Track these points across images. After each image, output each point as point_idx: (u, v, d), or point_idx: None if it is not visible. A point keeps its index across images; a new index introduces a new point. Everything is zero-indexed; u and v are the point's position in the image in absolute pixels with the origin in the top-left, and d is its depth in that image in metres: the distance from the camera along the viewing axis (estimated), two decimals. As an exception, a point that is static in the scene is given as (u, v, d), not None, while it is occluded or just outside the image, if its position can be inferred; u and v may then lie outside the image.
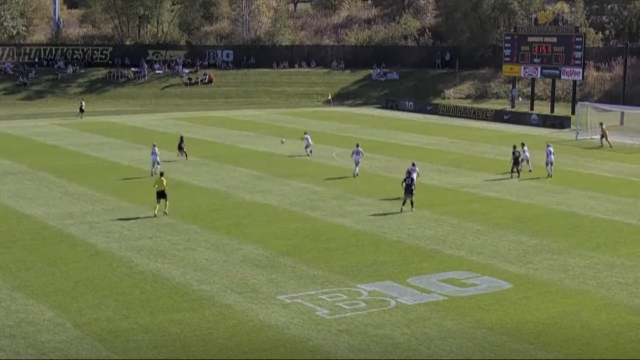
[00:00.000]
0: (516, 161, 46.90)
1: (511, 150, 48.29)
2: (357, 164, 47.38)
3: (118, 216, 37.14)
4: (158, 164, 47.15)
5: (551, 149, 47.83)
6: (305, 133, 56.84)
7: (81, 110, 77.99)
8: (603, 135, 59.88)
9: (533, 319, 24.46)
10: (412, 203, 38.41)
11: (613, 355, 21.95)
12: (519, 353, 21.98)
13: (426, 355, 21.88)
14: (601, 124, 61.06)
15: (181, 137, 54.59)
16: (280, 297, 26.27)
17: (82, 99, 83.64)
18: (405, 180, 38.54)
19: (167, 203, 37.71)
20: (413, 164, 42.43)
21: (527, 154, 48.28)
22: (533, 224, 36.08)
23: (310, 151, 54.77)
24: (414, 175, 39.31)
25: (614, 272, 29.06)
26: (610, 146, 58.76)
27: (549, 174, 47.15)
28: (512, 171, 47.11)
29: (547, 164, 47.42)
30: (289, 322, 24.09)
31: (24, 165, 50.54)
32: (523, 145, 49.48)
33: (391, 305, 25.59)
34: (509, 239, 33.54)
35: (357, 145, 48.25)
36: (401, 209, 38.17)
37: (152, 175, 46.37)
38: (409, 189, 38.23)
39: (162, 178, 38.02)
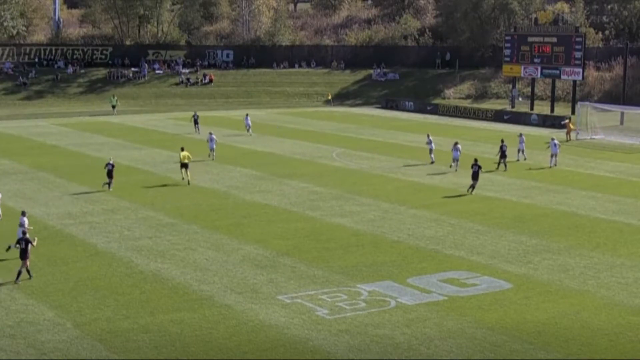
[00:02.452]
0: (503, 154, 49.54)
1: (499, 144, 50.65)
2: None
3: (118, 216, 37.14)
4: (213, 150, 52.90)
5: (556, 141, 51.29)
6: (247, 115, 66.04)
7: (113, 107, 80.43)
8: (568, 131, 62.86)
9: (533, 319, 24.46)
10: (473, 188, 42.20)
11: (613, 355, 21.95)
12: (519, 353, 21.98)
13: (426, 355, 21.88)
14: (568, 119, 65.00)
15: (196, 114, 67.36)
16: (280, 297, 26.27)
17: (114, 95, 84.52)
18: (472, 166, 42.28)
19: (189, 172, 44.80)
20: (456, 143, 49.54)
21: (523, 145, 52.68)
22: (533, 224, 36.08)
23: (250, 132, 63.75)
24: (476, 168, 42.35)
25: (614, 272, 29.06)
26: (568, 140, 61.49)
27: (550, 166, 50.57)
28: (498, 163, 49.71)
29: (551, 156, 51.07)
30: (289, 322, 24.10)
31: (24, 165, 50.54)
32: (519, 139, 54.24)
33: (391, 305, 25.60)
34: (509, 239, 33.54)
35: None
36: (468, 191, 42.27)
37: (211, 157, 52.72)
38: (475, 176, 41.87)
39: (185, 153, 45.07)
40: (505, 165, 49.53)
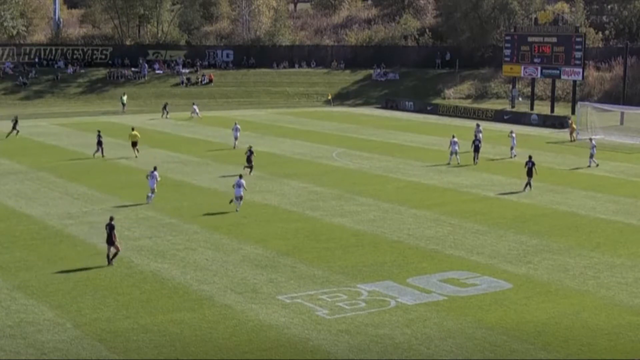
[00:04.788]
0: (477, 149, 51.72)
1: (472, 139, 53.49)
2: (455, 153, 51.78)
3: (118, 216, 37.05)
4: (236, 139, 57.08)
5: (594, 142, 52.46)
6: (194, 102, 77.00)
7: (123, 105, 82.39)
8: (572, 131, 63.37)
9: (533, 319, 24.47)
10: (529, 185, 42.89)
11: (613, 355, 21.96)
12: (519, 353, 21.98)
13: (426, 355, 21.89)
14: (569, 120, 66.81)
15: (165, 103, 77.87)
16: (280, 297, 26.27)
17: (124, 93, 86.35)
18: (526, 163, 42.95)
19: (138, 149, 52.99)
20: (478, 125, 55.95)
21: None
22: (533, 224, 36.08)
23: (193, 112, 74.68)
24: (530, 164, 42.96)
25: (614, 272, 29.07)
26: (572, 141, 62.04)
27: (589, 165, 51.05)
28: (474, 158, 51.71)
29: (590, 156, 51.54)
30: (289, 322, 24.10)
31: (24, 165, 50.54)
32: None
33: (391, 305, 25.60)
34: (509, 239, 33.54)
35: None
36: (524, 189, 42.73)
37: (234, 147, 56.84)
38: (530, 173, 42.55)
39: (134, 132, 53.42)
40: (476, 161, 51.27)
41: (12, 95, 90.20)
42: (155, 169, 40.60)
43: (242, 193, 38.12)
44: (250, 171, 46.54)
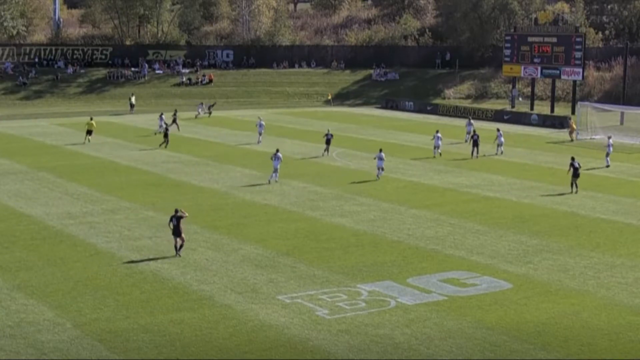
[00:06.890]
0: (475, 143, 53.77)
1: (471, 134, 56.60)
2: (437, 147, 54.51)
3: (118, 216, 37.14)
4: (261, 134, 59.82)
5: (611, 141, 52.59)
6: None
7: (131, 106, 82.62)
8: (571, 131, 63.80)
9: (533, 319, 24.47)
10: (576, 185, 42.78)
11: (613, 355, 21.96)
12: (519, 353, 21.99)
13: (426, 355, 21.89)
14: (569, 120, 67.74)
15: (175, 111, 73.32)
16: (280, 297, 26.27)
17: (132, 93, 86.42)
18: (571, 165, 43.00)
19: (89, 138, 58.29)
20: (469, 119, 60.61)
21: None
22: (533, 224, 36.08)
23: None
24: (576, 164, 43.27)
25: (614, 272, 29.07)
26: (572, 141, 62.68)
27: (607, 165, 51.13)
28: (472, 153, 54.19)
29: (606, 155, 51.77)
30: (289, 322, 24.10)
31: (24, 165, 50.53)
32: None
33: (391, 305, 25.60)
34: (509, 239, 33.54)
35: (437, 131, 56.72)
36: (573, 191, 42.51)
37: (258, 141, 59.66)
38: (576, 173, 42.65)
39: (92, 122, 59.35)
40: (475, 155, 53.37)
41: (12, 95, 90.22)
42: (277, 150, 45.17)
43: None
44: (327, 152, 53.30)
